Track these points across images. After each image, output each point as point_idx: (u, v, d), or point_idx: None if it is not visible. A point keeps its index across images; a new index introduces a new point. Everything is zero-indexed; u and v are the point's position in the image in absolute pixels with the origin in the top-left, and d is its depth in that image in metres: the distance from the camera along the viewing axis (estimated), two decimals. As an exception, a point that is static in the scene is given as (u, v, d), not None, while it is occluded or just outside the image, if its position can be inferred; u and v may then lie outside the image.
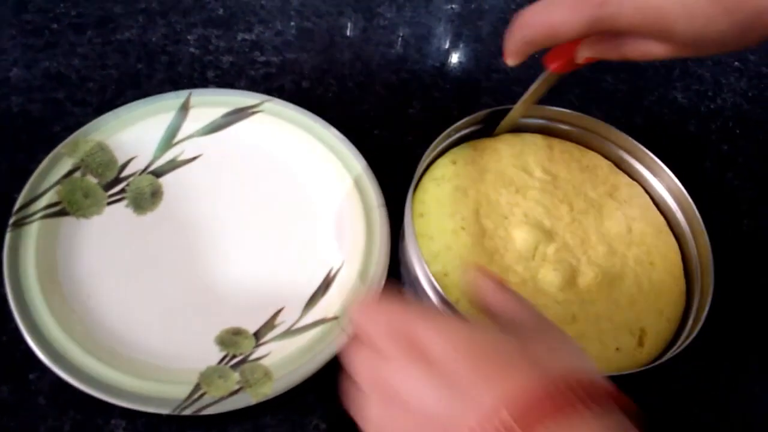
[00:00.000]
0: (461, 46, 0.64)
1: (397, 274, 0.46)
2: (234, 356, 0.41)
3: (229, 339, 0.42)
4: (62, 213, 0.45)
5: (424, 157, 0.44)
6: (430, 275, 0.39)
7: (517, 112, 0.46)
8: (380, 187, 0.49)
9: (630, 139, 0.48)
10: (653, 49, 0.33)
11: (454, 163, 0.47)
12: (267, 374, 0.40)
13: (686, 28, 0.31)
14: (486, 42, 0.64)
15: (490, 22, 0.66)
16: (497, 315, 0.31)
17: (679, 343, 0.39)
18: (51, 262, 0.43)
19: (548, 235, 0.44)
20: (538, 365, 0.25)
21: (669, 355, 0.38)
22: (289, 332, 0.43)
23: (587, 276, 0.42)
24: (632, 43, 0.34)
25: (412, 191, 0.44)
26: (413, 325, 0.27)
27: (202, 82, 0.55)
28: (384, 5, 0.65)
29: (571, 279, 0.42)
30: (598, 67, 0.63)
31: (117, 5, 0.60)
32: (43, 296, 0.41)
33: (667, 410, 0.43)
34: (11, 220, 0.43)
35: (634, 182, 0.49)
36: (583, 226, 0.45)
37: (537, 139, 0.49)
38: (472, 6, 0.67)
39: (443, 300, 0.38)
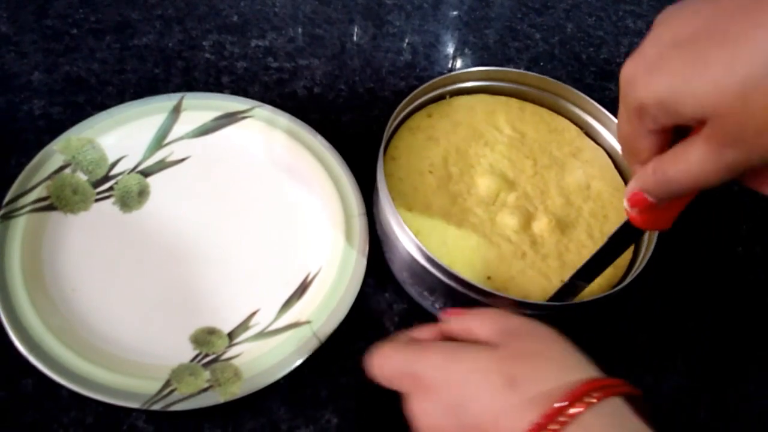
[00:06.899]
0: (468, 53, 0.66)
1: (376, 280, 0.47)
2: (206, 355, 0.42)
3: (204, 338, 0.43)
4: (50, 208, 0.46)
5: (399, 108, 0.48)
6: (397, 213, 0.42)
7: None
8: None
9: (596, 104, 0.52)
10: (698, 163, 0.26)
11: (430, 116, 0.51)
12: (237, 374, 0.41)
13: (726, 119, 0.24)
14: (492, 49, 0.66)
15: (496, 30, 0.68)
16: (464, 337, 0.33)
17: (625, 282, 0.42)
18: (36, 254, 0.44)
19: (510, 184, 0.48)
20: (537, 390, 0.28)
21: (615, 289, 0.41)
22: (263, 334, 0.43)
23: (542, 221, 0.46)
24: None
25: (387, 137, 0.47)
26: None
27: (217, 87, 0.57)
28: (392, 13, 0.67)
29: (526, 223, 0.46)
30: (602, 75, 0.65)
31: (134, 11, 0.61)
32: (25, 288, 0.41)
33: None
34: None
35: (599, 147, 0.52)
36: (545, 179, 0.49)
37: (510, 101, 0.54)
38: (479, 14, 0.69)
39: (409, 238, 0.42)
